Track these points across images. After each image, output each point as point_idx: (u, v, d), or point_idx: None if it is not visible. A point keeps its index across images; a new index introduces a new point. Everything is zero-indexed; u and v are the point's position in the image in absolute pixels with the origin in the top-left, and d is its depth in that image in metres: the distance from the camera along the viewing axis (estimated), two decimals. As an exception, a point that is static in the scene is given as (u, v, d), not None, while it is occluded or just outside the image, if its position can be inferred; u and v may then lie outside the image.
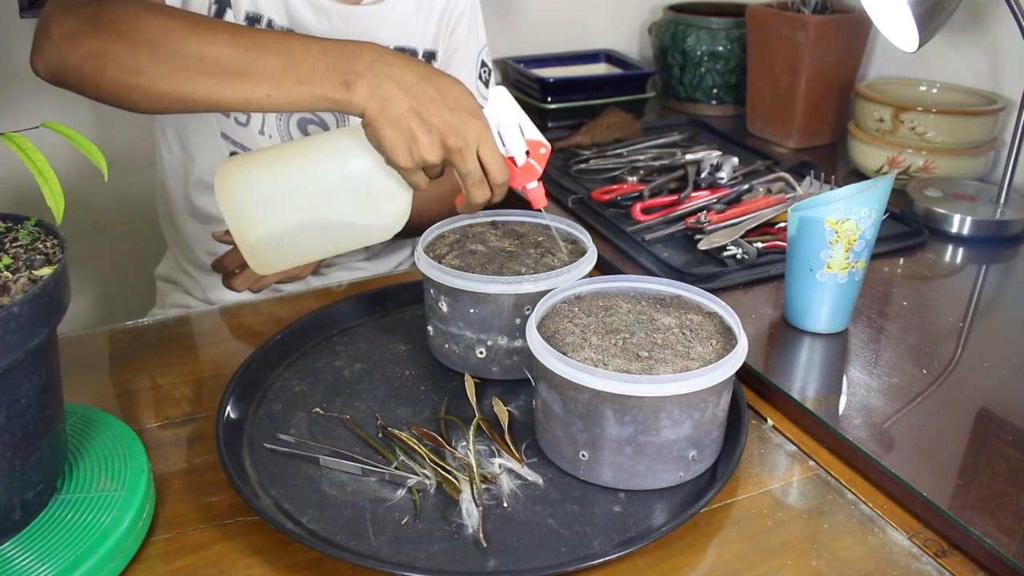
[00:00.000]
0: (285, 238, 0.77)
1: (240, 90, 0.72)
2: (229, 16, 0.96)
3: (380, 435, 0.73)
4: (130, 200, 1.47)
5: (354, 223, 0.78)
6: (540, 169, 0.76)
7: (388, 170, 0.75)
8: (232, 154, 1.03)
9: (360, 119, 0.73)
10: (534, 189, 0.77)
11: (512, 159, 0.75)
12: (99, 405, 0.73)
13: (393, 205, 0.77)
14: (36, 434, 0.56)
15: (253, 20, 0.97)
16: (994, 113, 1.20)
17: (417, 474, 0.67)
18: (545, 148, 0.76)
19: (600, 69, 1.67)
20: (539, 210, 0.79)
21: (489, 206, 0.79)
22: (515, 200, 1.22)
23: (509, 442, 0.70)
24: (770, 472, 0.70)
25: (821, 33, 1.31)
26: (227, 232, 0.96)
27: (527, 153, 0.75)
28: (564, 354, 0.65)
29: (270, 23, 0.97)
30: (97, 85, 0.73)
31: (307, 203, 0.76)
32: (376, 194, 0.76)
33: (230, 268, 0.96)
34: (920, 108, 1.19)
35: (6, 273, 0.55)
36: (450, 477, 0.66)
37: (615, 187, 1.18)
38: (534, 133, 0.76)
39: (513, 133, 0.75)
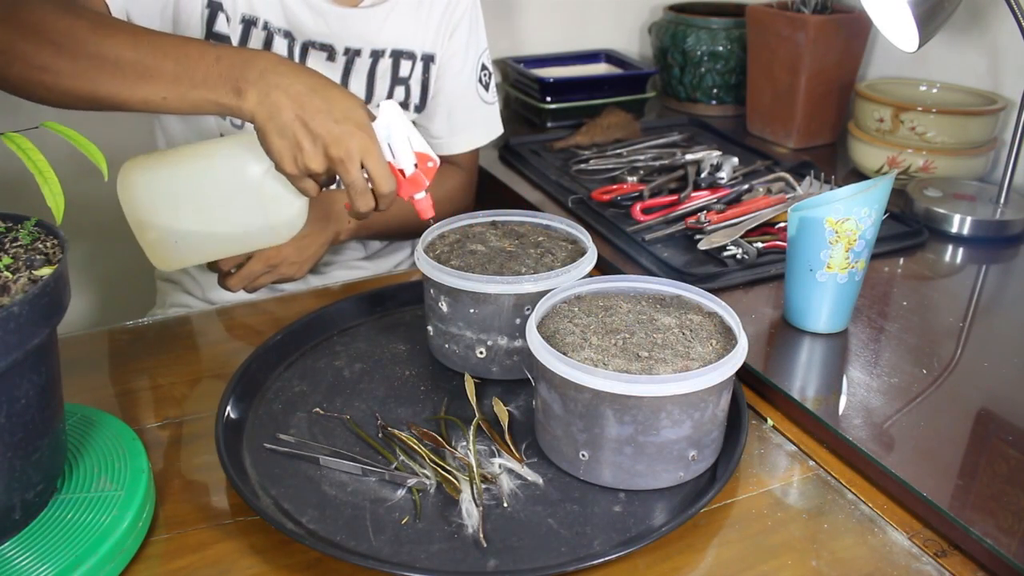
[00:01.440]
0: (183, 238, 0.80)
1: (139, 91, 0.74)
2: (222, 20, 0.95)
3: (380, 435, 0.73)
4: (130, 200, 1.47)
5: (248, 226, 0.81)
6: (427, 181, 0.79)
7: (279, 177, 0.77)
8: None
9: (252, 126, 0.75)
10: (421, 200, 0.80)
11: (401, 171, 0.78)
12: (99, 405, 0.73)
13: (284, 210, 0.80)
14: (36, 434, 0.56)
15: (250, 23, 0.97)
16: (994, 113, 1.20)
17: (417, 474, 0.67)
18: (433, 162, 0.79)
19: (600, 69, 1.67)
20: (427, 220, 0.82)
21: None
22: (515, 200, 1.23)
23: (509, 442, 0.70)
24: (770, 472, 0.70)
25: (821, 33, 1.31)
26: None
27: (415, 165, 0.78)
28: (564, 354, 0.65)
29: (266, 25, 0.97)
30: (4, 80, 0.76)
31: (203, 205, 0.79)
32: (267, 199, 0.79)
33: (225, 268, 0.96)
34: (920, 108, 1.19)
35: (6, 273, 0.55)
36: (450, 477, 0.66)
37: (615, 187, 1.18)
38: (423, 147, 0.78)
39: (402, 146, 0.77)
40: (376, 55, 1.05)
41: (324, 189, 0.80)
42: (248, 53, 0.75)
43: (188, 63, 0.74)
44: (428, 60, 1.09)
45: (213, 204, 0.79)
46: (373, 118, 0.76)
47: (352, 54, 1.03)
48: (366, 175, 0.76)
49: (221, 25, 0.96)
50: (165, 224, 0.79)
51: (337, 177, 0.78)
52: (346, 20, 1.01)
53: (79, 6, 0.79)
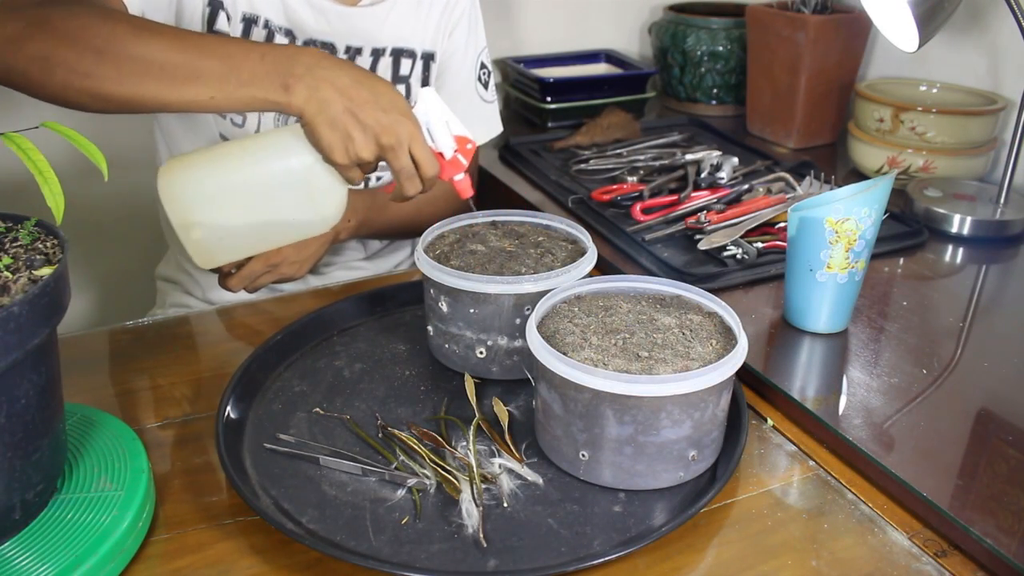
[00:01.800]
0: (228, 234, 0.81)
1: (185, 93, 0.75)
2: (223, 18, 0.96)
3: (380, 435, 0.73)
4: (130, 200, 1.47)
5: (294, 218, 0.82)
6: (466, 162, 0.82)
7: (325, 167, 0.79)
8: None
9: (298, 120, 0.77)
10: (461, 180, 0.83)
11: (441, 154, 0.80)
12: (99, 405, 0.73)
13: (331, 200, 0.82)
14: (36, 434, 0.56)
15: (250, 21, 0.97)
16: (994, 113, 1.20)
17: (417, 474, 0.67)
18: (471, 144, 0.82)
19: (600, 69, 1.67)
20: (467, 205, 0.85)
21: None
22: (515, 200, 1.23)
23: (509, 442, 0.70)
24: (770, 472, 0.70)
25: (821, 33, 1.31)
26: None
27: (455, 149, 0.81)
28: (564, 354, 0.65)
29: (267, 23, 0.97)
30: (45, 88, 0.75)
31: (250, 200, 0.80)
32: (315, 190, 0.80)
33: (226, 268, 0.96)
34: (920, 108, 1.19)
35: (6, 273, 0.55)
36: (450, 477, 0.66)
37: (615, 187, 1.18)
38: (461, 130, 0.81)
39: (442, 130, 0.80)
40: (377, 54, 1.05)
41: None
42: (292, 49, 0.77)
43: (234, 62, 0.74)
44: (428, 58, 1.10)
45: (261, 198, 0.80)
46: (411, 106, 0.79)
47: (353, 53, 1.03)
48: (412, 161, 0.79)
49: (222, 23, 0.96)
50: (210, 221, 0.80)
51: (377, 166, 0.80)
52: (347, 18, 1.01)
53: (112, 10, 0.79)
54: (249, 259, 0.94)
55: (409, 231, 1.14)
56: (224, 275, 0.96)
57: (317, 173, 0.80)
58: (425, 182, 0.80)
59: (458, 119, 0.81)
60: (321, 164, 0.79)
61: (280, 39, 0.99)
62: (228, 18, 0.96)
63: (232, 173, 0.80)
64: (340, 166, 0.78)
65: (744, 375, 0.80)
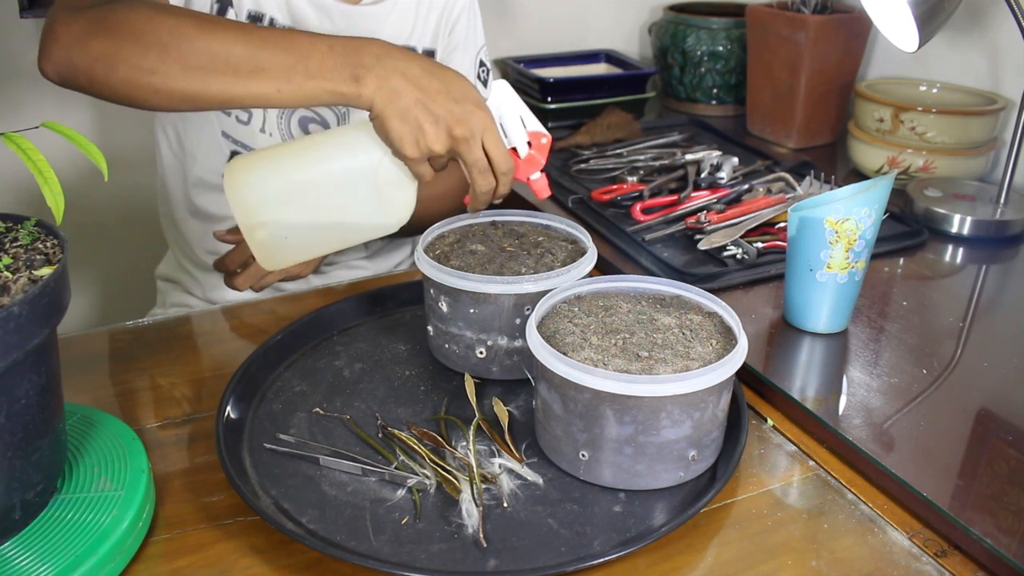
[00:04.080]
0: (294, 233, 0.79)
1: (252, 86, 0.73)
2: (230, 15, 0.96)
3: (380, 435, 0.73)
4: (130, 200, 1.47)
5: (362, 216, 0.80)
6: (543, 160, 0.78)
7: (395, 162, 0.77)
8: (233, 152, 1.03)
9: (367, 113, 0.75)
10: (538, 180, 0.79)
11: (515, 150, 0.77)
12: (99, 405, 0.73)
13: (400, 196, 0.79)
14: (36, 434, 0.56)
15: (255, 18, 0.97)
16: (994, 113, 1.20)
17: (417, 474, 0.67)
18: (546, 138, 0.78)
19: (600, 69, 1.67)
20: (544, 200, 0.82)
21: (496, 205, 0.79)
22: (515, 200, 1.23)
23: (509, 442, 0.70)
24: (770, 472, 0.70)
25: (821, 33, 1.31)
26: (228, 231, 0.96)
27: (528, 144, 0.78)
28: (564, 354, 0.65)
29: (272, 22, 0.97)
30: (109, 86, 0.74)
31: (316, 198, 0.78)
32: (383, 186, 0.78)
33: (232, 267, 0.96)
34: (920, 108, 1.19)
35: (6, 273, 0.55)
36: (450, 477, 0.66)
37: (615, 187, 1.18)
38: (535, 124, 0.78)
39: (515, 124, 0.77)
40: None
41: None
42: (360, 40, 0.75)
43: (301, 54, 0.73)
44: (428, 56, 1.10)
45: (328, 197, 0.78)
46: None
47: None
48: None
49: None
50: (274, 221, 0.78)
51: (448, 161, 0.78)
52: (350, 17, 1.01)
53: (174, 6, 0.78)
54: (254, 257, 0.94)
55: (410, 230, 1.14)
56: (231, 274, 0.96)
57: (386, 169, 0.77)
58: (499, 178, 0.77)
59: (532, 114, 0.78)
60: (390, 159, 0.77)
61: None
62: (235, 15, 0.96)
63: (297, 171, 0.78)
64: (410, 160, 0.75)
65: (744, 375, 0.80)
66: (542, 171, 0.79)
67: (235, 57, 0.73)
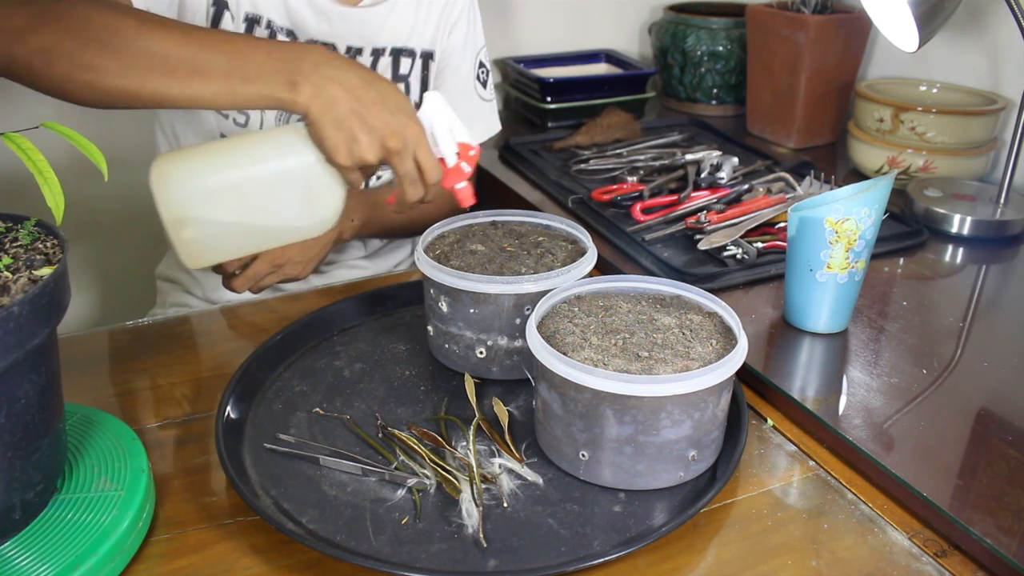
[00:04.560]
0: (220, 233, 0.78)
1: (188, 88, 0.73)
2: (227, 18, 0.96)
3: (380, 435, 0.73)
4: (130, 200, 1.47)
5: (289, 218, 0.79)
6: (469, 170, 0.80)
7: (326, 168, 0.77)
8: None
9: (303, 119, 0.75)
10: (463, 189, 0.81)
11: (443, 160, 0.79)
12: (99, 405, 0.73)
13: (329, 202, 0.80)
14: (36, 434, 0.56)
15: (253, 21, 0.97)
16: (994, 113, 1.20)
17: (417, 474, 0.67)
18: (474, 150, 0.80)
19: (600, 69, 1.67)
20: (466, 209, 0.84)
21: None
22: (516, 200, 1.23)
23: (509, 442, 0.70)
24: (770, 472, 0.70)
25: (821, 33, 1.31)
26: None
27: (457, 155, 0.79)
28: (564, 354, 0.65)
29: (270, 24, 0.97)
30: (47, 80, 0.74)
31: (246, 198, 0.77)
32: (314, 191, 0.78)
33: (230, 269, 0.96)
34: (920, 108, 1.19)
35: (6, 273, 0.55)
36: (450, 477, 0.66)
37: (615, 187, 1.18)
38: (464, 136, 0.79)
39: (445, 136, 0.78)
40: (377, 53, 1.05)
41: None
42: (299, 47, 0.76)
43: (239, 58, 0.73)
44: (427, 57, 1.10)
45: (258, 197, 0.78)
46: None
47: (353, 53, 1.03)
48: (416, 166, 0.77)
49: (226, 23, 0.96)
50: (202, 219, 0.77)
51: (378, 169, 0.79)
52: (348, 19, 1.01)
53: (118, 3, 0.77)
54: (254, 259, 0.94)
55: (410, 230, 1.14)
56: (228, 276, 0.96)
57: (317, 174, 0.77)
58: (428, 188, 0.79)
59: (462, 124, 0.79)
60: (322, 165, 0.77)
61: (282, 39, 0.98)
62: (232, 18, 0.96)
63: (228, 170, 0.77)
64: (343, 167, 0.76)
65: (744, 375, 0.80)
66: (468, 181, 0.81)
67: (173, 57, 0.72)
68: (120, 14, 0.74)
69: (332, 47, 1.02)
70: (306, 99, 0.73)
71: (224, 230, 0.78)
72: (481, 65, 1.16)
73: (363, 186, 0.79)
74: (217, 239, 0.79)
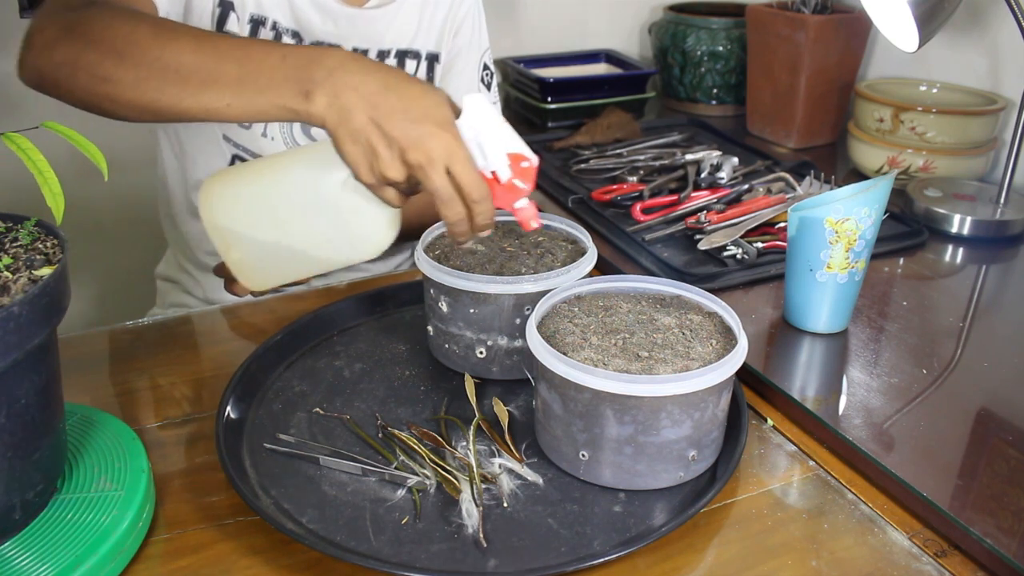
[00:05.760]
0: (267, 256, 0.74)
1: (202, 99, 0.69)
2: (233, 20, 0.95)
3: (380, 435, 0.73)
4: (130, 200, 1.47)
5: (331, 241, 0.74)
6: (527, 186, 0.69)
7: (360, 186, 0.70)
8: (234, 157, 1.03)
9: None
10: (523, 209, 0.70)
11: (495, 174, 0.68)
12: (99, 405, 0.73)
13: (367, 223, 0.72)
14: (36, 434, 0.56)
15: (258, 23, 0.96)
16: (994, 113, 1.20)
17: (417, 474, 0.67)
18: (529, 162, 0.68)
19: (600, 69, 1.67)
20: (528, 232, 0.75)
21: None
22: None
23: (509, 442, 0.70)
24: (770, 472, 0.70)
25: (821, 33, 1.31)
26: None
27: (510, 167, 0.68)
28: (564, 354, 0.65)
29: (275, 25, 0.97)
30: (71, 93, 0.73)
31: (282, 220, 0.73)
32: (348, 211, 0.72)
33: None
34: (920, 108, 1.19)
35: (6, 273, 0.55)
36: (450, 477, 0.66)
37: (615, 187, 1.18)
38: (517, 146, 0.68)
39: (495, 147, 0.68)
40: (382, 55, 1.05)
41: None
42: (316, 51, 0.68)
43: (252, 66, 0.68)
44: (432, 59, 1.09)
45: (292, 219, 0.72)
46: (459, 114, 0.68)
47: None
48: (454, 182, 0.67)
49: (232, 25, 0.95)
50: (247, 243, 0.73)
51: (416, 187, 0.70)
52: (354, 21, 1.01)
53: (137, 11, 0.75)
54: None
55: (410, 232, 1.14)
56: (231, 280, 0.95)
57: (348, 193, 0.70)
58: (471, 207, 0.68)
59: (515, 132, 0.69)
60: (353, 183, 0.69)
61: (287, 41, 0.98)
62: (238, 19, 0.95)
63: (264, 190, 0.72)
64: (369, 185, 0.68)
65: (744, 375, 0.80)
66: (529, 198, 0.70)
67: (184, 67, 0.68)
68: (137, 23, 0.71)
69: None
70: (320, 109, 0.66)
71: (268, 253, 0.74)
72: (485, 67, 1.16)
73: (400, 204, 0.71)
74: (264, 262, 0.75)
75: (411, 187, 0.70)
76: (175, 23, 0.75)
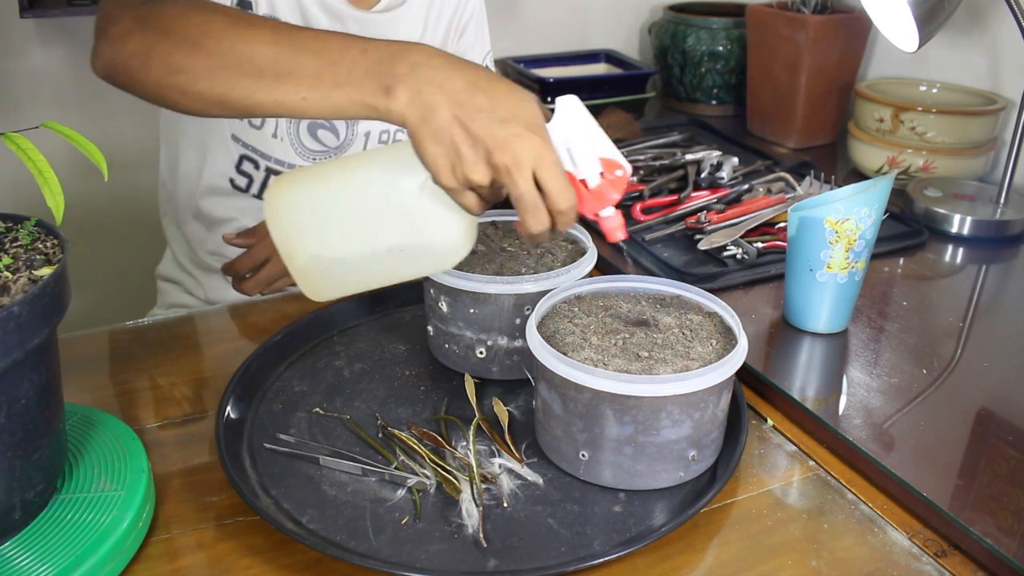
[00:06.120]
0: (334, 264, 0.70)
1: (276, 92, 0.65)
2: None
3: (380, 435, 0.73)
4: (130, 200, 1.47)
5: (403, 248, 0.69)
6: (616, 195, 0.65)
7: (436, 191, 0.65)
8: (242, 157, 1.02)
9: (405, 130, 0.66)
10: (610, 218, 0.66)
11: (584, 182, 0.65)
12: (99, 405, 0.73)
13: (443, 231, 0.68)
14: (36, 434, 0.56)
15: None
16: (994, 113, 1.20)
17: (417, 474, 0.67)
18: (622, 170, 0.65)
19: (600, 69, 1.67)
20: (615, 243, 0.69)
21: (496, 205, 0.77)
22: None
23: (509, 442, 0.70)
24: (770, 472, 0.70)
25: (821, 33, 1.31)
26: (238, 235, 0.95)
27: (601, 174, 0.65)
28: (564, 354, 0.65)
29: None
30: (142, 84, 0.70)
31: (352, 226, 0.69)
32: (422, 217, 0.67)
33: (242, 272, 0.94)
34: (920, 108, 1.19)
35: (6, 273, 0.55)
36: (450, 477, 0.66)
37: (615, 187, 1.18)
38: (610, 151, 0.65)
39: (586, 152, 0.64)
40: None
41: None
42: (398, 45, 0.65)
43: (330, 58, 0.64)
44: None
45: (363, 225, 0.68)
46: (549, 117, 0.65)
47: None
48: (539, 187, 0.63)
49: None
50: (312, 248, 0.69)
51: (499, 192, 0.66)
52: (363, 23, 1.01)
53: (215, 2, 0.72)
54: (266, 262, 0.93)
55: None
56: (240, 279, 0.95)
57: (424, 198, 0.66)
58: (556, 216, 0.64)
59: (607, 137, 0.65)
60: (431, 187, 0.65)
61: None
62: None
63: (334, 194, 0.68)
64: (449, 189, 0.64)
65: (744, 375, 0.80)
66: (616, 207, 0.66)
67: (260, 58, 0.65)
68: (212, 12, 0.68)
69: None
70: (402, 107, 0.62)
71: (335, 261, 0.70)
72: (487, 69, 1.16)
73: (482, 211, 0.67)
74: (330, 271, 0.71)
75: (493, 193, 0.66)
76: (252, 14, 0.72)
